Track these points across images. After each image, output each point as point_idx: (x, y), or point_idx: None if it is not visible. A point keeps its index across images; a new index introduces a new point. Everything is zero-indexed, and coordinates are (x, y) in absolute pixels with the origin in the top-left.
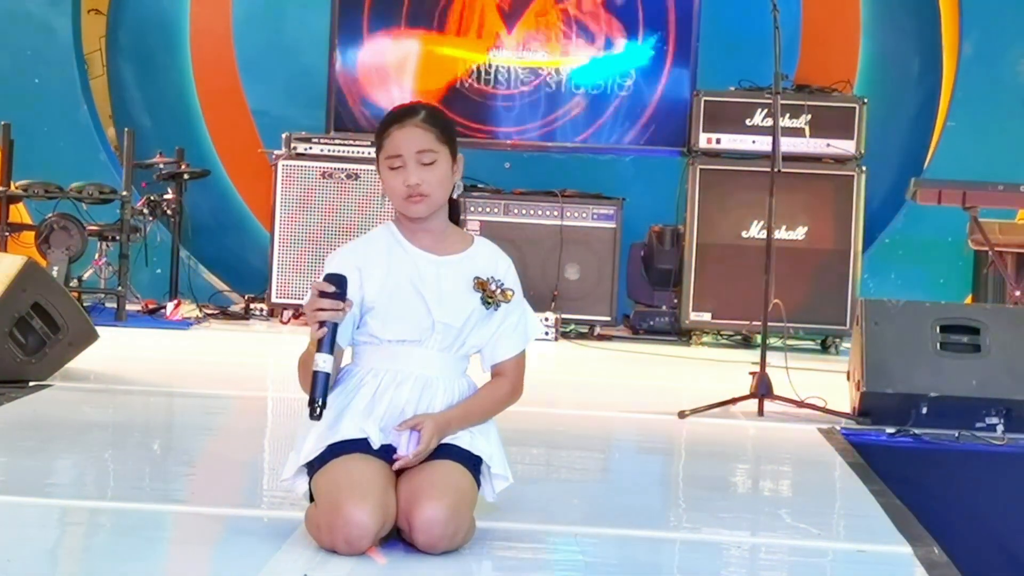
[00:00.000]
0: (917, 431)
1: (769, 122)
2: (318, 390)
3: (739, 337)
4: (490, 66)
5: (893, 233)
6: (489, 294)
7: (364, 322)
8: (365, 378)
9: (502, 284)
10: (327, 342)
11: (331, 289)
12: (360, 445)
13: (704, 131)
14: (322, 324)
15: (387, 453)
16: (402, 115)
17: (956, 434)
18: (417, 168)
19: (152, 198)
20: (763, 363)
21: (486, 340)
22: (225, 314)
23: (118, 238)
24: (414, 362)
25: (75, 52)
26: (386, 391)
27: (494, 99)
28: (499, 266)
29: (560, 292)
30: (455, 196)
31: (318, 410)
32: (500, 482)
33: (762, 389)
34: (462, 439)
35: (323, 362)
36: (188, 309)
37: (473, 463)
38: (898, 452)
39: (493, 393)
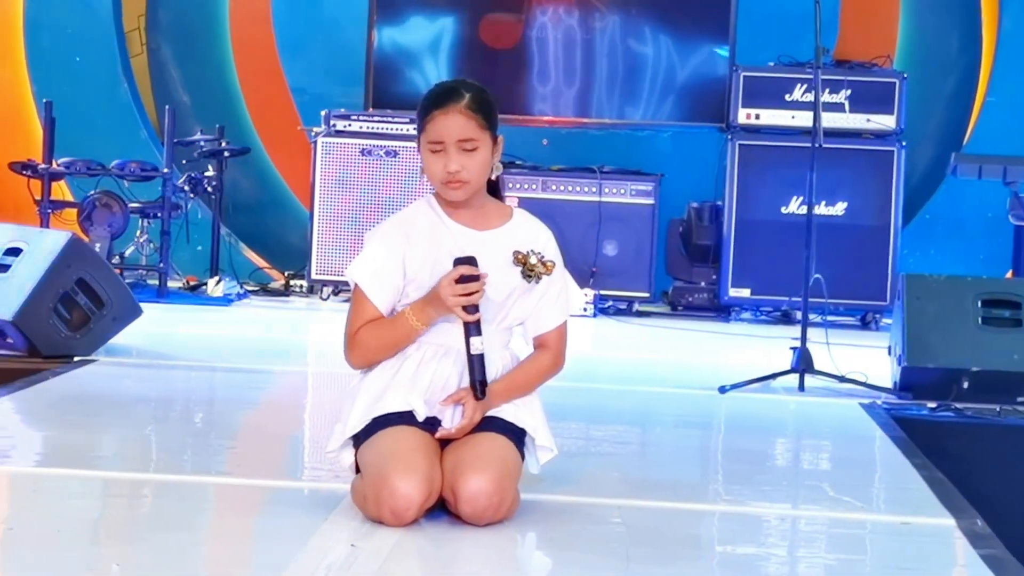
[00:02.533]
0: (959, 406)
1: (808, 97)
2: (477, 373)
3: (778, 313)
4: (526, 43)
5: (933, 208)
6: (529, 267)
7: (406, 294)
8: (409, 351)
9: (542, 256)
10: (478, 325)
11: (475, 272)
12: (405, 417)
13: (743, 106)
14: (467, 309)
15: (432, 426)
16: (446, 98)
17: (998, 408)
18: (458, 154)
19: (193, 175)
20: (804, 338)
21: (529, 312)
22: (265, 290)
23: (159, 215)
24: (457, 335)
25: (115, 30)
26: (429, 364)
27: (530, 75)
28: (539, 238)
29: (598, 268)
30: (493, 177)
31: (481, 389)
32: (545, 453)
33: (803, 364)
34: (506, 411)
35: (480, 344)
36: (229, 285)
37: (517, 435)
38: (940, 426)
39: (536, 365)
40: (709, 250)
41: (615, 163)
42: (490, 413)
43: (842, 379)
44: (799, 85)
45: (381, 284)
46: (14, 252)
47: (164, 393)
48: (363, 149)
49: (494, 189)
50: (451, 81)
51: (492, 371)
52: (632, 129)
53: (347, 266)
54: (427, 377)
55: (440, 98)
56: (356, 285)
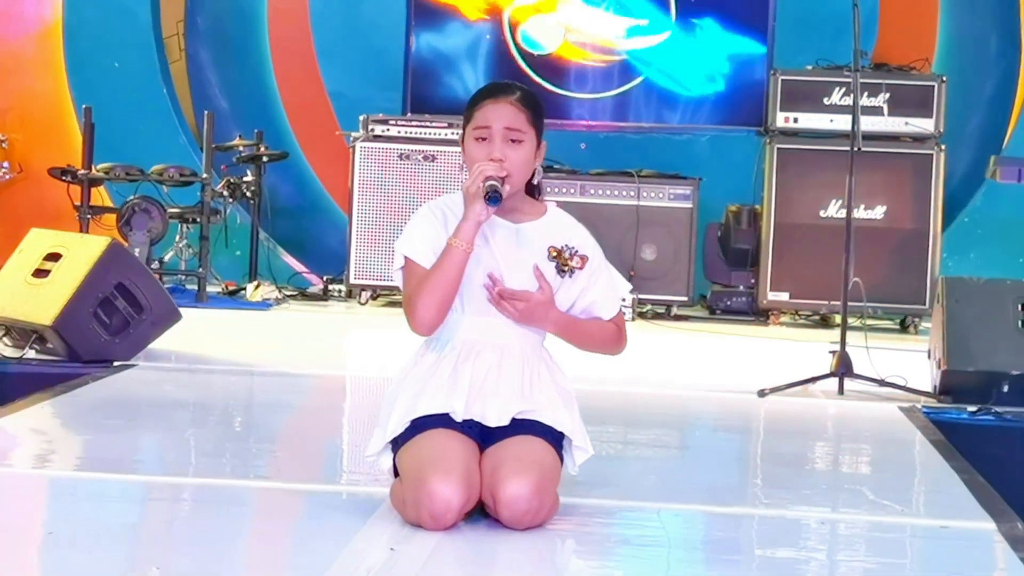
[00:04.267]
0: (999, 409)
1: (847, 101)
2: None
3: (817, 317)
4: (564, 46)
5: (972, 212)
6: (563, 262)
7: None
8: (444, 352)
9: (575, 251)
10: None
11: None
12: (443, 420)
13: (781, 110)
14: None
15: (470, 428)
16: (498, 90)
17: None
18: (503, 144)
19: (232, 180)
20: (843, 342)
21: (566, 307)
22: (304, 295)
23: (198, 220)
24: (491, 332)
25: (154, 36)
26: (465, 363)
27: (567, 80)
28: (574, 234)
29: (637, 272)
30: (535, 181)
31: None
32: (580, 454)
33: (842, 368)
34: (544, 415)
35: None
36: (267, 290)
37: (555, 438)
38: (980, 430)
39: (603, 326)
40: (747, 254)
41: (653, 167)
42: (528, 416)
43: (882, 383)
44: (837, 88)
45: (427, 248)
46: (54, 258)
47: (203, 397)
48: (401, 153)
49: (532, 193)
50: (502, 80)
51: (526, 366)
52: (670, 133)
53: (385, 270)
54: (465, 377)
55: (492, 89)
56: (405, 259)
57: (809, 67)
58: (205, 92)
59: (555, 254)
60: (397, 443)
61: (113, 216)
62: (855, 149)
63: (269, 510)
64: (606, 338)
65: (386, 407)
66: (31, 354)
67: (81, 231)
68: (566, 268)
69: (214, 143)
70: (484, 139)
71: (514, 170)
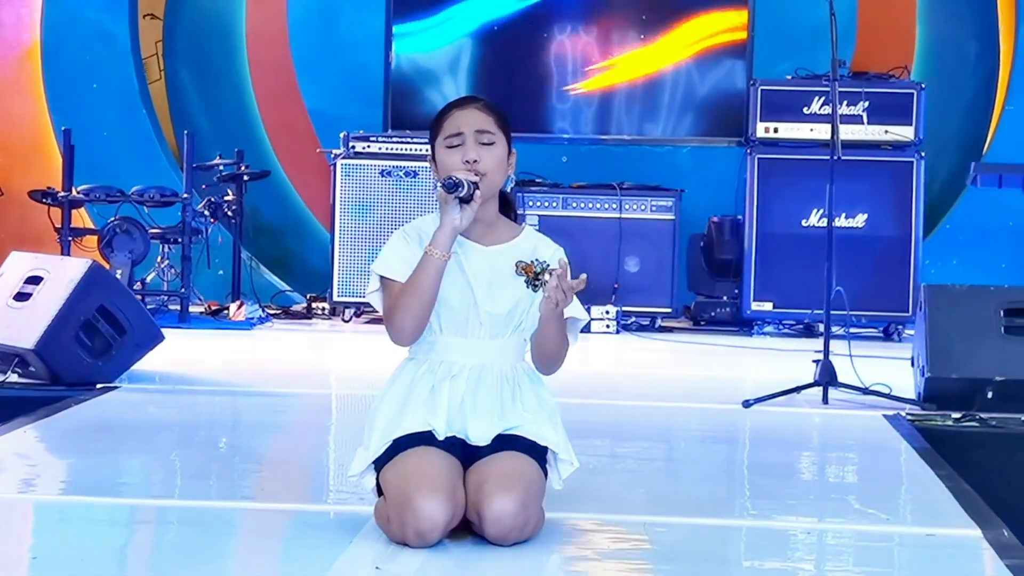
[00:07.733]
0: (983, 415)
1: (826, 110)
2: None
3: (801, 326)
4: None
5: (954, 218)
6: (534, 276)
7: None
8: (421, 371)
9: (546, 265)
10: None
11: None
12: (425, 438)
13: (761, 120)
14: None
15: (452, 446)
16: (463, 100)
17: (1022, 418)
18: (476, 146)
19: (213, 200)
20: (827, 351)
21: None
22: (287, 314)
23: (180, 240)
24: (467, 352)
25: (133, 57)
26: (443, 384)
27: (549, 93)
28: (545, 251)
29: (620, 284)
30: (507, 189)
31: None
32: (566, 467)
33: (826, 377)
34: (528, 430)
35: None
36: (250, 309)
37: (539, 453)
38: (964, 437)
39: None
40: (730, 264)
41: (635, 179)
42: (512, 432)
43: (866, 391)
44: (817, 98)
45: (404, 266)
46: (35, 281)
47: (187, 419)
48: (382, 170)
49: (506, 208)
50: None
51: (504, 384)
52: (651, 145)
53: (367, 287)
54: (443, 397)
55: (457, 101)
56: (382, 279)
57: (788, 77)
58: (185, 112)
59: (523, 268)
60: (380, 462)
61: (94, 238)
62: (835, 158)
63: (255, 530)
64: (564, 348)
65: (368, 427)
66: (13, 378)
67: (62, 253)
68: (537, 283)
69: (194, 163)
70: (456, 145)
71: (488, 170)
